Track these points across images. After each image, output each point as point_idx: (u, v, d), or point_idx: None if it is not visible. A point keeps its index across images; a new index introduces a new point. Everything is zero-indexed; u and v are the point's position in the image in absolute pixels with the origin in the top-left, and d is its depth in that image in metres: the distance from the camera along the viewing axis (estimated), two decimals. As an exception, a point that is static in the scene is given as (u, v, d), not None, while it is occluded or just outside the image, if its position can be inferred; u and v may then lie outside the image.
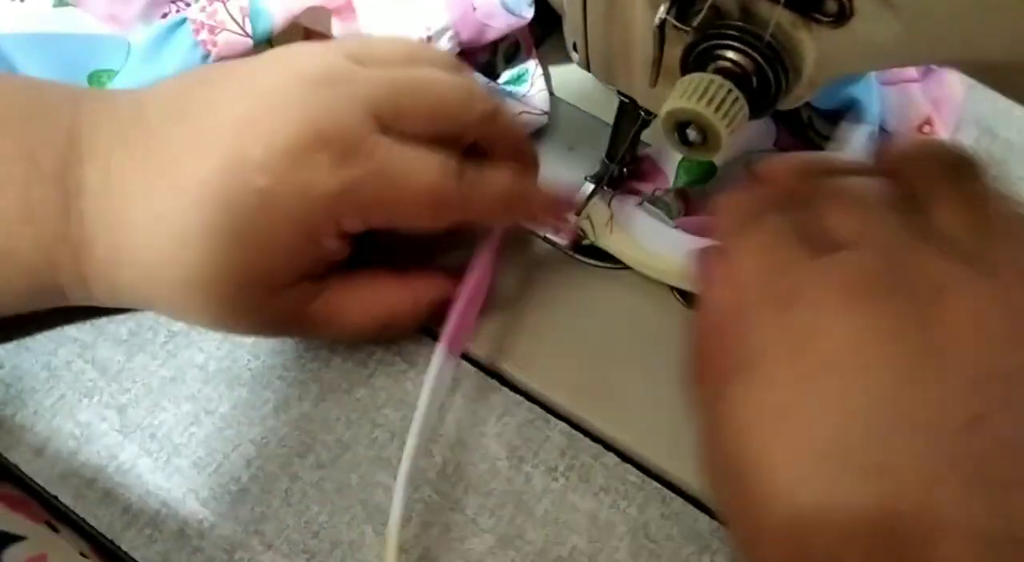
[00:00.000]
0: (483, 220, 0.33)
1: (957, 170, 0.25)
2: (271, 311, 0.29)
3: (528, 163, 0.34)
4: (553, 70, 0.43)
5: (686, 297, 0.36)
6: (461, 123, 0.30)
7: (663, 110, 0.23)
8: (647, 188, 0.39)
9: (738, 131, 0.24)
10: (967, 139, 0.44)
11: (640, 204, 0.38)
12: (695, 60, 0.24)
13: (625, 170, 0.38)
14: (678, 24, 0.24)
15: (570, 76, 0.43)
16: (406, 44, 0.33)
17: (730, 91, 0.23)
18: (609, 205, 0.37)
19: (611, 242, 0.37)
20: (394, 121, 0.28)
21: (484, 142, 0.31)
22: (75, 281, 0.29)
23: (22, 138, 0.27)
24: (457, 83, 0.30)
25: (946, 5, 0.19)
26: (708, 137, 0.23)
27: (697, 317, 0.28)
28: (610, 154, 0.36)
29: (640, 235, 0.37)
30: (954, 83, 0.41)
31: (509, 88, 0.40)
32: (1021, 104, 0.22)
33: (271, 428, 0.33)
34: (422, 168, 0.28)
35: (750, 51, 0.23)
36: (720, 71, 0.23)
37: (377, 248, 0.32)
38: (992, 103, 0.44)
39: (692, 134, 0.23)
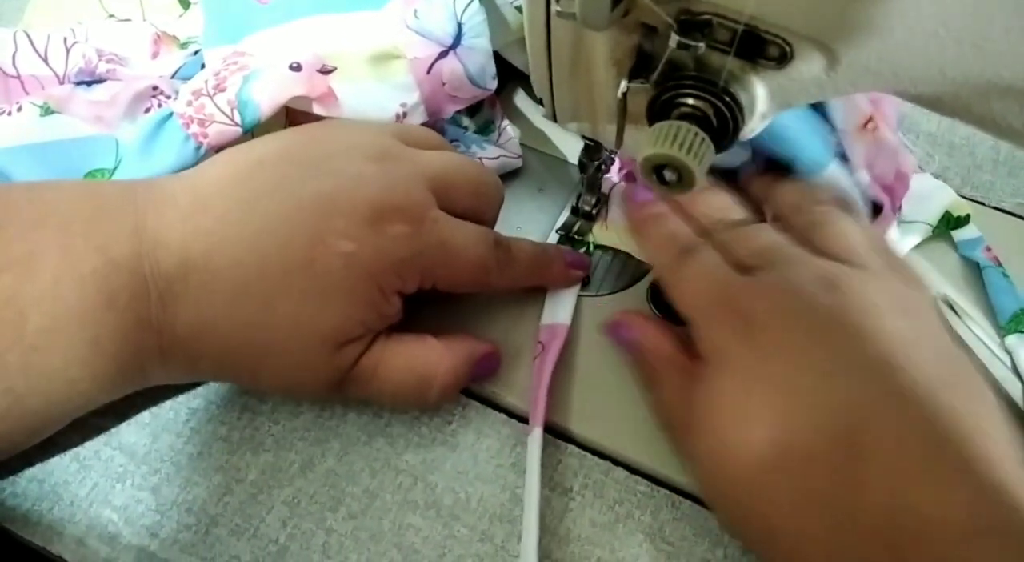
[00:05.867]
0: (515, 285, 0.37)
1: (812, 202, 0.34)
2: (332, 366, 0.32)
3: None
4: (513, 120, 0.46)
5: (660, 309, 0.39)
6: (490, 198, 0.36)
7: (640, 156, 0.26)
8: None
9: (706, 165, 0.27)
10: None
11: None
12: (659, 109, 0.27)
13: (597, 201, 0.41)
14: (639, 85, 0.27)
15: (527, 124, 0.47)
16: (431, 132, 0.37)
17: (696, 134, 0.26)
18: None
19: (607, 235, 0.41)
20: (446, 195, 0.33)
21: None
22: (157, 360, 0.30)
23: (89, 236, 0.29)
24: (481, 166, 0.36)
25: (875, 47, 0.23)
26: (683, 176, 0.26)
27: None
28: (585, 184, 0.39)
29: None
30: None
31: (479, 136, 0.43)
32: (947, 117, 0.25)
33: (300, 487, 0.35)
34: (472, 241, 0.33)
35: (707, 97, 0.26)
36: (683, 117, 0.26)
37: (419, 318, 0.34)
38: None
39: (668, 175, 0.26)
